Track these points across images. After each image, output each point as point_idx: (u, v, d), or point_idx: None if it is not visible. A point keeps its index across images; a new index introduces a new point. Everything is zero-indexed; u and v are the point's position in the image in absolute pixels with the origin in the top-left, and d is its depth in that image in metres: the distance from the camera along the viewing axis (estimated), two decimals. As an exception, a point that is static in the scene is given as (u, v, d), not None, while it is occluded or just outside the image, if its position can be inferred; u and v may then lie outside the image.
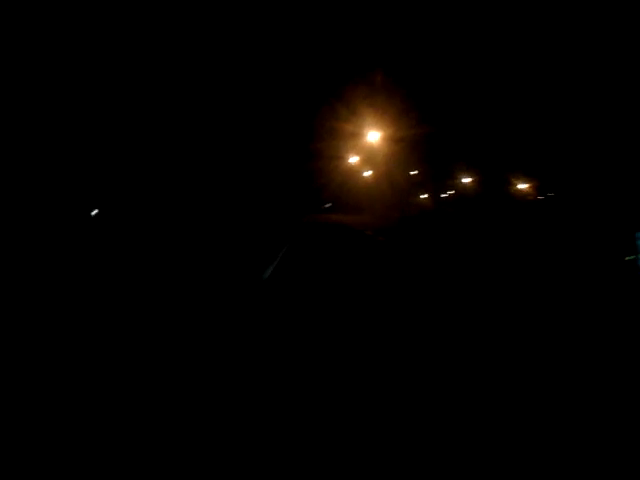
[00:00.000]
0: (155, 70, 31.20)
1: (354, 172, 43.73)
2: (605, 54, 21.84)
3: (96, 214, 28.27)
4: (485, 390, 3.01)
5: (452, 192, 53.75)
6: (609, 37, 20.95)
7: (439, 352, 3.79)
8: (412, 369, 3.42)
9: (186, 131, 34.99)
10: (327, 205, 62.52)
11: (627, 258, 6.94)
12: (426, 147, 36.44)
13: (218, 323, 5.13)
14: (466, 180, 48.66)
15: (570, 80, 24.63)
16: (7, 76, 22.08)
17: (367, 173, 43.80)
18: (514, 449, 2.30)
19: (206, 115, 36.48)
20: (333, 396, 3.05)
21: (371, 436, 2.45)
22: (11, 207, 21.06)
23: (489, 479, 2.08)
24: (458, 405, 2.81)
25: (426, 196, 57.24)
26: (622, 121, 22.49)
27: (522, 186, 41.79)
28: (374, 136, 29.56)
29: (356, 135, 31.47)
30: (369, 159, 36.85)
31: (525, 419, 2.60)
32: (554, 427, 2.49)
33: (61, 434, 2.57)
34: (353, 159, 38.68)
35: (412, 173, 43.30)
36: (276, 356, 3.94)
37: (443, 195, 57.38)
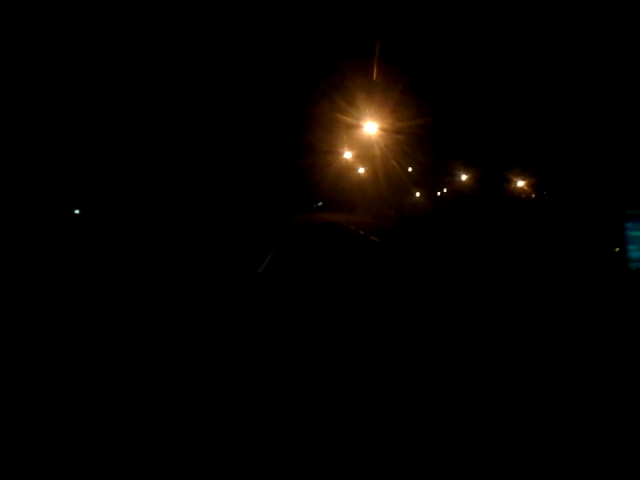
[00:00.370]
0: (142, 65, 29.46)
1: (348, 169, 41.44)
2: (603, 54, 21.63)
3: (88, 212, 28.33)
4: (477, 383, 3.07)
5: (449, 190, 51.83)
6: (608, 37, 20.81)
7: (433, 351, 3.82)
8: (402, 365, 3.48)
9: (174, 128, 33.13)
10: (319, 204, 60.20)
11: (615, 249, 7.15)
12: (424, 141, 34.15)
13: (216, 315, 5.35)
14: (464, 177, 46.93)
15: (560, 80, 24.66)
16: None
17: (361, 170, 41.62)
18: (508, 445, 2.32)
19: (191, 110, 34.19)
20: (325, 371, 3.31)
21: (369, 431, 2.49)
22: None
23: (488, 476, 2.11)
24: (452, 404, 2.81)
25: (422, 194, 55.32)
26: (611, 115, 22.68)
27: (519, 183, 40.50)
28: (371, 128, 27.20)
29: (352, 127, 29.10)
30: (365, 154, 34.50)
31: (518, 411, 2.65)
32: (547, 418, 2.55)
33: (59, 433, 2.58)
34: (347, 154, 36.30)
35: (409, 170, 41.14)
36: (268, 342, 4.16)
37: (440, 193, 55.55)
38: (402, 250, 11.94)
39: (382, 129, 27.49)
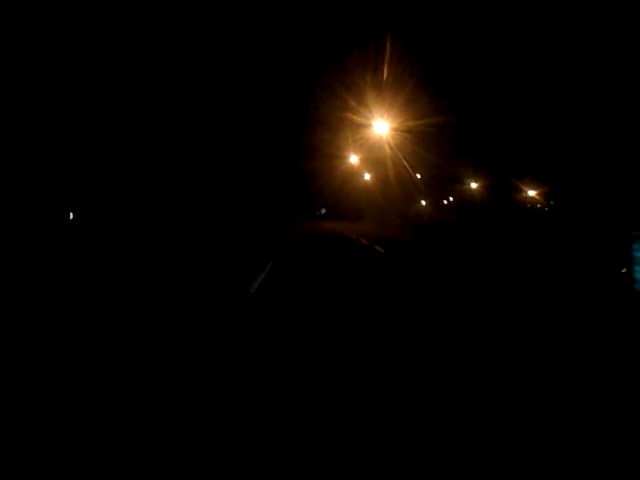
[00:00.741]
0: (138, 65, 27.51)
1: (353, 174, 38.67)
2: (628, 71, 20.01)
3: (80, 217, 27.25)
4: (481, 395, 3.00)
5: (457, 198, 49.31)
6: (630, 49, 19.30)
7: (438, 367, 3.65)
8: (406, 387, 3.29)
9: (171, 130, 30.95)
10: (322, 211, 57.43)
11: (622, 270, 6.93)
12: (435, 143, 31.50)
13: (202, 339, 4.82)
14: (473, 185, 44.49)
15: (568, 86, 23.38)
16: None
17: (368, 176, 38.88)
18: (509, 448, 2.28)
19: (190, 109, 31.78)
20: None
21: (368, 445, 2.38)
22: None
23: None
24: (456, 411, 2.77)
25: (428, 202, 52.71)
26: (620, 131, 21.99)
27: (530, 193, 38.31)
28: (381, 127, 24.40)
29: (359, 127, 26.37)
30: (373, 157, 31.71)
31: (521, 423, 2.59)
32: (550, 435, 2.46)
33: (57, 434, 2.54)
34: (353, 158, 33.51)
35: (418, 176, 38.44)
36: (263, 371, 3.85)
37: (446, 201, 53.04)
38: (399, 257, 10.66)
39: (393, 129, 24.71)
